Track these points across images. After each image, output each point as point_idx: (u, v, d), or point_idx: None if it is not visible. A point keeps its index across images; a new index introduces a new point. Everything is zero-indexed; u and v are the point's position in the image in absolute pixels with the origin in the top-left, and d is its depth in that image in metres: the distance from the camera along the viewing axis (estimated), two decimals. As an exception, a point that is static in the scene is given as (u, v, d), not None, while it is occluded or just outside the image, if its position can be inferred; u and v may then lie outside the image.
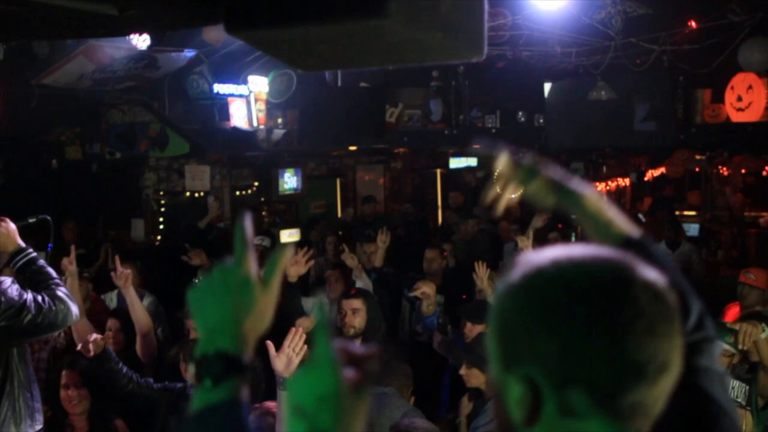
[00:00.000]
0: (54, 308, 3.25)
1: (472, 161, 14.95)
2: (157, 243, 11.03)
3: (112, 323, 5.61)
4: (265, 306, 1.43)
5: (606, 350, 1.12)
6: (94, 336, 4.48)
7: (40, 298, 3.24)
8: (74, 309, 3.37)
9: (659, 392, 1.16)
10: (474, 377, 4.51)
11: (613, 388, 1.13)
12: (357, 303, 5.40)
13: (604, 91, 8.20)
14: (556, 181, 2.05)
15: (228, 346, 1.35)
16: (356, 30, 1.66)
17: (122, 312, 5.76)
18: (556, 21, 7.16)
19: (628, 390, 1.13)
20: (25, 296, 3.20)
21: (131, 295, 5.43)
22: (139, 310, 5.52)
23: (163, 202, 11.27)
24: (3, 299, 3.14)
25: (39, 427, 3.40)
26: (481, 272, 6.12)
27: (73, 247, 5.16)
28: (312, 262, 5.69)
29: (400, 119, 11.16)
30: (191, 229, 9.72)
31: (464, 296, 6.69)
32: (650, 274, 1.18)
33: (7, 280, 3.23)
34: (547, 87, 10.18)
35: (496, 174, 2.16)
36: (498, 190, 2.16)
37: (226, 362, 1.33)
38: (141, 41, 8.06)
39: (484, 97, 10.78)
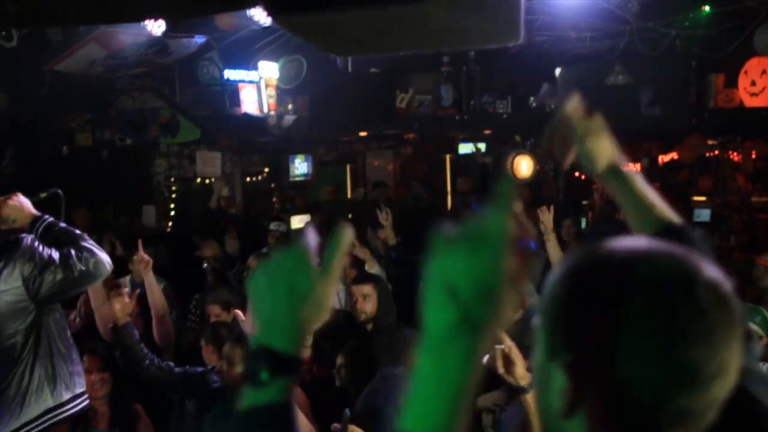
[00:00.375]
0: (81, 260, 3.25)
1: (481, 146, 14.91)
2: (168, 229, 11.04)
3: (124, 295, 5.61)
4: (324, 294, 1.31)
5: (659, 349, 1.06)
6: (124, 299, 4.43)
7: (66, 251, 3.26)
8: (105, 257, 3.40)
9: (711, 400, 1.09)
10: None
11: (661, 390, 1.07)
12: (367, 288, 5.39)
13: (621, 76, 8.16)
14: (614, 148, 1.99)
15: (280, 343, 1.26)
16: (397, 15, 1.64)
17: (140, 298, 5.77)
18: (571, 5, 7.12)
19: (677, 394, 1.07)
20: (48, 252, 3.21)
21: (150, 278, 5.45)
22: (157, 293, 5.54)
23: (174, 188, 11.28)
24: (31, 257, 3.16)
25: (80, 389, 3.42)
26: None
27: (140, 240, 5.25)
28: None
29: (411, 105, 11.12)
30: (202, 212, 9.70)
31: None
32: (715, 274, 1.12)
33: (29, 237, 3.25)
34: (558, 72, 10.13)
35: (558, 119, 2.09)
36: (556, 136, 2.09)
37: (277, 361, 1.26)
38: (156, 27, 8.04)
39: (495, 83, 10.73)
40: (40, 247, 3.22)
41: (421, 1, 1.59)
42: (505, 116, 10.56)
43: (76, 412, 3.39)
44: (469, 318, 1.06)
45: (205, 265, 6.85)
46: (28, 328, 3.21)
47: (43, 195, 3.67)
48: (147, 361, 4.45)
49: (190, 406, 4.43)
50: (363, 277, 5.67)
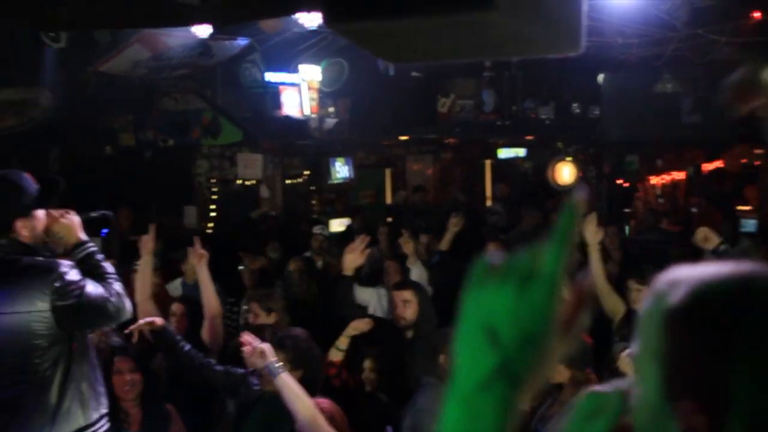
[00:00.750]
0: (110, 300, 3.27)
1: (521, 152, 14.81)
2: (208, 230, 11.09)
3: (177, 308, 5.58)
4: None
5: None
6: (141, 322, 4.47)
7: (99, 286, 3.26)
8: (128, 305, 3.41)
9: None
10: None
11: None
12: (408, 294, 5.32)
13: (670, 84, 8.04)
14: None
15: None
16: (460, 23, 1.61)
17: (188, 299, 5.77)
18: (619, 11, 7.03)
19: None
20: (84, 280, 3.22)
21: (204, 275, 5.39)
22: (211, 292, 5.48)
23: (215, 189, 11.33)
24: (64, 282, 3.15)
25: (104, 411, 3.40)
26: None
27: (153, 226, 5.21)
28: (368, 251, 5.57)
29: (452, 109, 11.09)
30: (244, 220, 9.73)
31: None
32: None
33: (66, 263, 3.25)
34: (602, 78, 10.03)
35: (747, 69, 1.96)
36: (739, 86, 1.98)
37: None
38: (202, 30, 8.07)
39: (537, 88, 10.65)
40: (76, 275, 3.22)
41: (486, 9, 1.55)
42: (547, 122, 10.48)
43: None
44: (509, 367, 0.93)
45: (241, 267, 6.84)
46: (56, 350, 3.22)
47: (94, 215, 3.70)
48: (186, 359, 4.46)
49: (231, 406, 4.42)
50: (404, 283, 5.60)
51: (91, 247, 3.45)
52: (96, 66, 8.42)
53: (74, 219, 3.45)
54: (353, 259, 5.40)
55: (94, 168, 10.62)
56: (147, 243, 5.14)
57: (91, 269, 3.38)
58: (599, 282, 5.58)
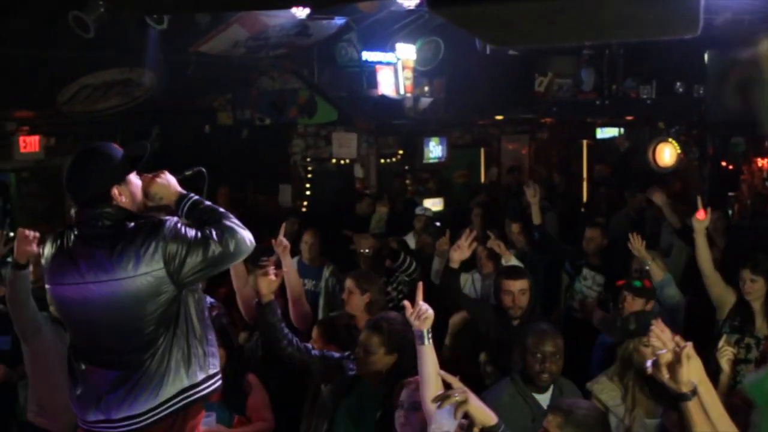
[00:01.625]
0: (223, 239, 3.25)
1: (614, 131, 14.45)
2: (303, 209, 11.21)
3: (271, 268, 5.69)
4: None
5: None
6: (271, 275, 4.45)
7: (207, 231, 3.26)
8: (248, 235, 3.34)
9: None
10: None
11: None
12: (523, 284, 5.26)
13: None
14: None
15: None
16: (571, 6, 1.54)
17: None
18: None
19: None
20: (192, 232, 3.23)
21: (287, 261, 5.50)
22: (293, 275, 5.58)
23: (310, 168, 11.42)
24: (175, 238, 3.19)
25: (213, 371, 3.40)
26: (637, 243, 5.89)
27: (282, 224, 5.37)
28: (474, 245, 5.52)
29: (550, 88, 10.87)
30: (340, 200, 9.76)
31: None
32: None
33: (173, 219, 3.27)
34: (708, 56, 9.65)
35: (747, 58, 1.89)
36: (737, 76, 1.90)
37: None
38: (300, 10, 8.11)
39: (639, 66, 10.33)
40: (183, 229, 3.22)
41: (601, -10, 1.48)
42: (648, 102, 10.16)
43: (209, 392, 3.40)
44: None
45: (364, 250, 6.82)
46: (168, 309, 3.23)
47: (188, 173, 3.67)
48: (286, 341, 4.45)
49: (325, 391, 4.43)
50: (519, 272, 5.51)
51: (193, 197, 3.45)
52: (196, 46, 8.55)
53: (169, 177, 3.47)
54: (459, 255, 5.39)
55: (192, 146, 10.85)
56: (281, 242, 5.31)
57: (200, 216, 3.38)
58: (706, 268, 5.40)
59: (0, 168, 9.53)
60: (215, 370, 3.43)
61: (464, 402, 3.05)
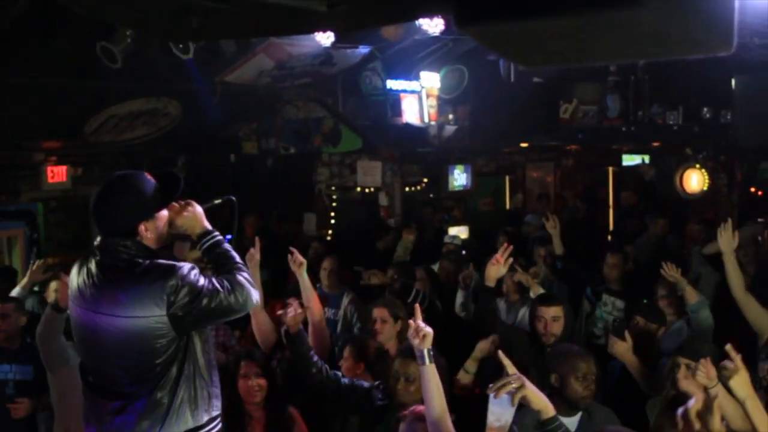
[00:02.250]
0: (232, 293, 3.22)
1: (646, 158, 14.34)
2: (328, 237, 11.20)
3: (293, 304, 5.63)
4: None
5: None
6: (295, 309, 4.46)
7: (217, 282, 3.21)
8: (254, 295, 3.32)
9: None
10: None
11: None
12: (557, 311, 5.21)
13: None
14: None
15: None
16: (604, 22, 1.51)
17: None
18: (757, 9, 6.66)
19: None
20: (202, 281, 3.19)
21: (305, 281, 5.47)
22: (314, 299, 5.53)
23: (334, 197, 11.44)
24: (182, 285, 3.15)
25: (216, 413, 3.36)
26: (672, 270, 5.82)
27: (258, 239, 5.27)
28: (510, 261, 5.46)
29: (575, 115, 10.82)
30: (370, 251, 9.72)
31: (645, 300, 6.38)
32: None
33: (186, 266, 3.23)
34: (735, 81, 9.56)
35: None
36: None
37: None
38: (325, 38, 8.17)
39: (665, 92, 10.25)
40: (195, 277, 3.19)
41: (635, 5, 1.45)
42: (675, 128, 10.06)
43: None
44: None
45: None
46: (171, 350, 3.20)
47: (217, 201, 3.65)
48: (315, 369, 4.44)
49: (353, 421, 4.37)
50: (552, 299, 5.45)
51: (216, 236, 3.42)
52: (222, 75, 8.62)
53: (197, 209, 3.44)
54: (496, 270, 5.32)
55: (218, 175, 10.90)
56: (253, 256, 5.18)
57: (216, 258, 3.36)
58: (739, 293, 5.32)
59: (28, 198, 9.60)
60: (218, 412, 3.41)
61: (521, 387, 2.95)
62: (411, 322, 3.59)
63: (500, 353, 3.09)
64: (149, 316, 3.12)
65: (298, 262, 5.42)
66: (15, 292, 6.47)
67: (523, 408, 3.15)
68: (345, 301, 6.93)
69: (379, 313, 5.39)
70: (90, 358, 3.39)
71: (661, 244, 9.01)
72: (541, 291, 6.39)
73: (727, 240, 5.58)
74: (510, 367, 3.04)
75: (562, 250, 7.41)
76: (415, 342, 3.51)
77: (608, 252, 7.13)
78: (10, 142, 8.99)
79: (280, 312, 4.49)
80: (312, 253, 8.32)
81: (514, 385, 2.94)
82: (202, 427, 3.29)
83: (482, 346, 5.14)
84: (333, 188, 11.46)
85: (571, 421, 4.09)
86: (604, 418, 4.10)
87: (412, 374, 4.02)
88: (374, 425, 4.18)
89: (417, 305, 3.71)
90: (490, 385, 2.99)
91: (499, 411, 2.95)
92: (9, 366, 5.66)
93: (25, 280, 6.57)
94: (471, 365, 5.19)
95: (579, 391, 4.03)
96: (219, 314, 3.26)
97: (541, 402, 3.02)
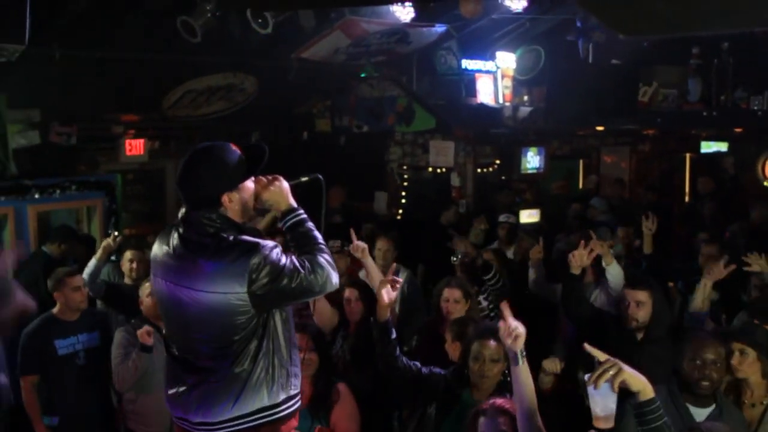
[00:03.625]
0: (312, 274, 3.19)
1: (724, 146, 13.94)
2: (398, 216, 11.18)
3: (350, 293, 5.62)
4: None
5: None
6: (389, 299, 4.31)
7: (299, 262, 3.17)
8: (334, 277, 3.27)
9: None
10: None
11: None
12: (642, 295, 5.09)
13: None
14: None
15: None
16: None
17: (359, 283, 5.79)
18: None
19: None
20: (284, 261, 3.17)
21: (369, 264, 5.51)
22: (377, 278, 5.51)
23: (406, 176, 11.40)
24: (265, 264, 3.13)
25: (294, 392, 3.32)
26: (755, 258, 5.66)
27: (352, 230, 5.49)
28: (594, 253, 5.44)
29: (654, 98, 10.56)
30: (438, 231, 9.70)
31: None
32: None
33: (269, 244, 3.21)
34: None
35: None
36: None
37: None
38: (405, 14, 8.12)
39: (750, 76, 9.93)
40: (277, 256, 3.16)
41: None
42: (759, 113, 9.75)
43: (288, 413, 3.33)
44: None
45: (454, 258, 6.78)
46: (252, 326, 3.18)
47: (305, 179, 3.56)
48: (399, 362, 4.35)
49: (432, 411, 4.31)
50: (639, 282, 5.33)
51: (301, 214, 3.36)
52: (298, 52, 8.63)
53: (284, 185, 3.38)
54: (580, 258, 5.32)
55: (291, 153, 10.95)
56: (358, 247, 5.35)
57: (299, 237, 3.31)
58: None
59: (107, 170, 9.80)
60: (296, 391, 3.36)
61: (619, 372, 2.89)
62: (501, 323, 3.51)
63: (587, 346, 3.02)
64: (230, 292, 3.11)
65: (360, 249, 5.43)
66: (90, 265, 6.60)
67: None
68: (401, 279, 6.92)
69: (451, 293, 5.38)
70: (173, 331, 3.41)
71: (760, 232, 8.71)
72: (614, 262, 6.26)
73: None
74: (602, 356, 2.96)
75: (650, 250, 7.26)
76: (508, 342, 3.45)
77: (704, 243, 6.98)
78: (91, 115, 9.17)
79: (384, 294, 4.25)
80: (364, 234, 8.22)
81: (611, 372, 2.86)
82: (278, 405, 3.26)
83: (549, 366, 5.04)
84: (405, 167, 11.42)
85: (701, 412, 3.93)
86: (736, 418, 3.98)
87: (495, 354, 4.05)
88: (449, 412, 4.15)
89: (505, 302, 3.63)
90: (587, 377, 2.91)
91: (602, 401, 2.87)
92: (75, 337, 5.78)
93: (99, 253, 6.68)
94: (551, 367, 5.07)
95: (712, 377, 3.91)
96: (298, 294, 3.22)
97: (640, 383, 2.93)
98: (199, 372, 3.24)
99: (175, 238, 3.30)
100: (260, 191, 3.36)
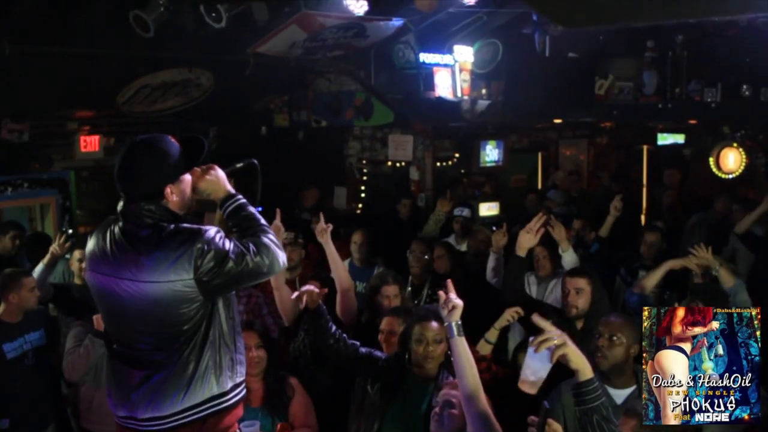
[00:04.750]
0: (258, 255, 3.17)
1: (681, 138, 14.11)
2: (358, 211, 11.16)
3: (312, 285, 5.61)
4: None
5: None
6: (310, 287, 4.48)
7: (243, 246, 3.17)
8: (281, 257, 3.27)
9: None
10: None
11: None
12: (581, 282, 5.17)
13: None
14: None
15: None
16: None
17: (320, 275, 5.78)
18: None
19: None
20: (228, 244, 3.15)
21: (331, 249, 5.46)
22: (340, 266, 5.53)
23: (365, 171, 11.39)
24: (209, 249, 3.11)
25: (240, 379, 3.35)
26: (702, 252, 5.73)
27: (278, 210, 5.25)
28: (542, 231, 5.41)
29: (610, 92, 10.62)
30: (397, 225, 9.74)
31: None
32: None
33: (212, 229, 3.19)
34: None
35: None
36: None
37: None
38: (358, 7, 8.08)
39: (704, 69, 10.03)
40: (221, 241, 3.14)
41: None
42: (713, 105, 9.86)
43: (236, 401, 3.35)
44: None
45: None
46: (198, 316, 3.17)
47: (239, 165, 3.56)
48: (332, 340, 4.48)
49: (372, 391, 4.36)
50: (578, 270, 5.42)
51: (240, 199, 3.38)
52: (255, 47, 8.56)
53: (219, 173, 3.39)
54: (528, 239, 5.28)
55: (248, 148, 10.87)
56: (279, 228, 5.20)
57: (241, 221, 3.32)
58: None
59: (61, 167, 9.66)
60: (242, 378, 3.38)
61: (563, 345, 2.90)
62: (441, 293, 3.58)
63: (536, 316, 3.03)
64: (176, 280, 3.09)
65: (321, 228, 5.41)
66: (38, 269, 6.46)
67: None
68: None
69: (392, 290, 5.49)
70: (114, 326, 3.38)
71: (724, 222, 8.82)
72: (571, 251, 6.33)
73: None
74: (550, 327, 2.98)
75: (606, 234, 7.36)
76: (444, 313, 3.52)
77: (646, 230, 7.11)
78: (44, 112, 9.04)
79: (296, 294, 4.52)
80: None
81: (556, 342, 2.88)
82: (227, 393, 3.28)
83: (506, 315, 5.11)
84: (364, 162, 11.41)
85: (620, 393, 4.02)
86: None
87: (437, 335, 4.16)
88: (393, 393, 4.21)
89: (449, 280, 3.68)
90: (531, 339, 2.94)
91: (536, 366, 2.90)
92: (23, 338, 5.70)
93: (47, 258, 6.53)
94: (492, 334, 5.17)
95: (606, 353, 4.06)
96: (246, 277, 3.22)
97: (580, 361, 2.96)
98: (146, 366, 3.21)
99: (114, 232, 3.27)
100: (196, 181, 3.35)
